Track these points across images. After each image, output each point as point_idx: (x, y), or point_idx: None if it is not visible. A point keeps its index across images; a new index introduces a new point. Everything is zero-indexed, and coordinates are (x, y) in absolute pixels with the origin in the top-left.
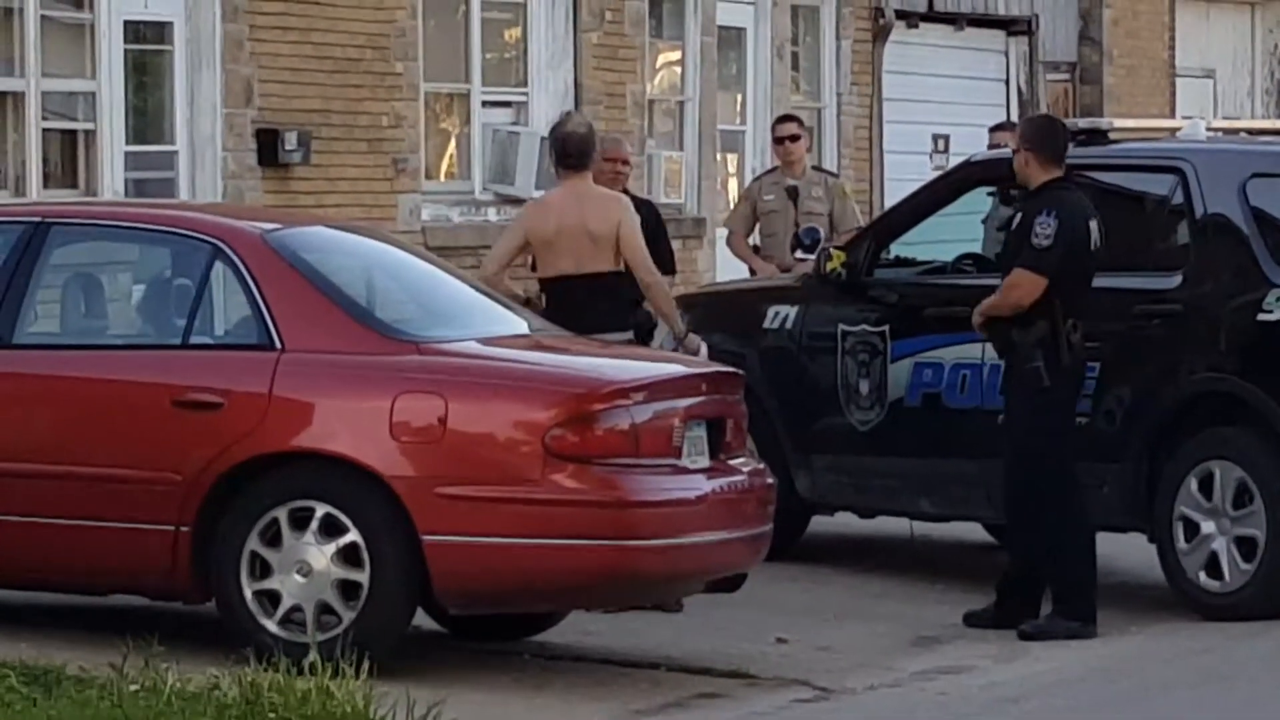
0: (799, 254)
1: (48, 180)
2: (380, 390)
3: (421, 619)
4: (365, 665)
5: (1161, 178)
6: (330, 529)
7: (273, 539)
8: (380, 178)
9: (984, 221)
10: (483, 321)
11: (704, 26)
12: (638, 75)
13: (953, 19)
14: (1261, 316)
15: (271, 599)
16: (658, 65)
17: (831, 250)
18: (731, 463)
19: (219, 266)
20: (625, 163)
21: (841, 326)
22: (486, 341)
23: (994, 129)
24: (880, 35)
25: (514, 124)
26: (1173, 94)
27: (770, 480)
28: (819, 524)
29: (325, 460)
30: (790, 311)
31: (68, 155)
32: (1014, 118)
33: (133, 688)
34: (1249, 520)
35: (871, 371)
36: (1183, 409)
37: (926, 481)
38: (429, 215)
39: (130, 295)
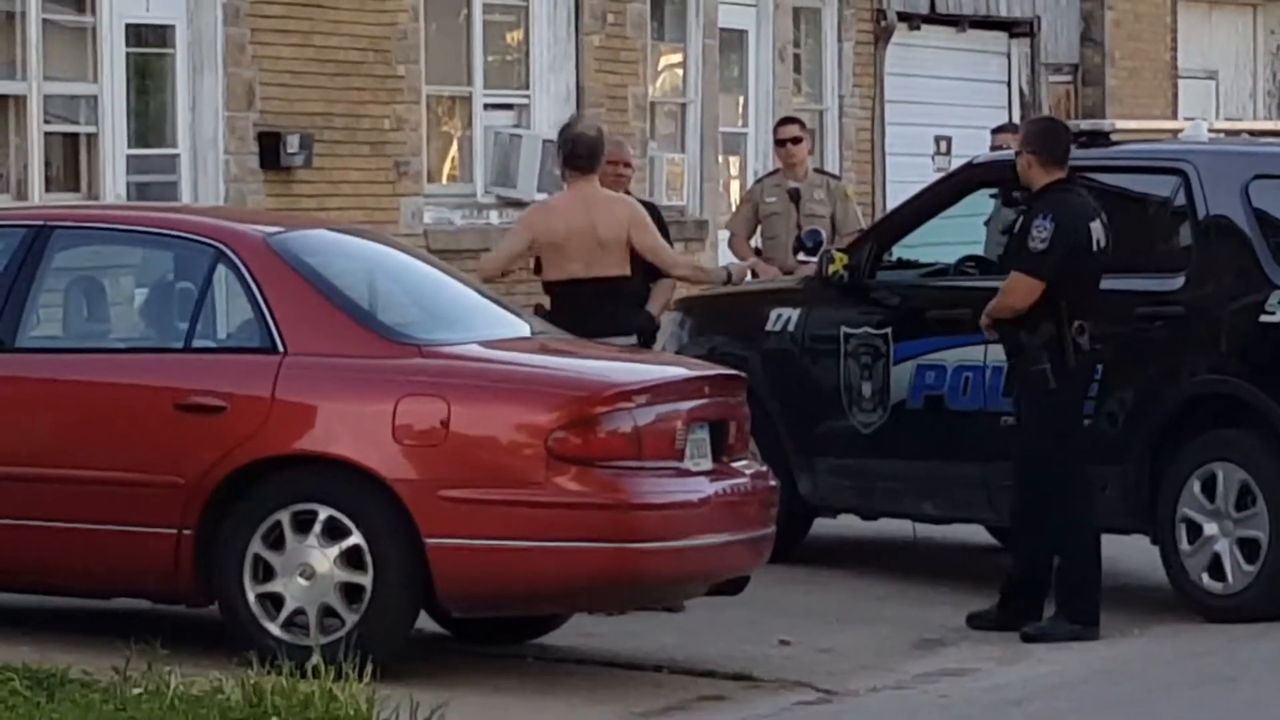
0: (801, 256)
1: (49, 184)
2: (383, 393)
3: (424, 622)
4: (368, 668)
5: (1164, 179)
6: (333, 532)
7: (275, 542)
8: (382, 180)
9: (986, 223)
10: (485, 324)
11: (705, 29)
12: (639, 78)
13: (954, 21)
14: (1264, 318)
15: (274, 602)
16: (659, 68)
17: (834, 252)
18: (734, 465)
19: (221, 270)
20: (627, 165)
21: (844, 329)
22: (489, 344)
23: (996, 131)
24: (882, 37)
25: (516, 127)
26: (1175, 95)
27: (773, 483)
28: (821, 526)
29: (328, 463)
30: (792, 314)
31: (69, 159)
32: (1016, 119)
33: (136, 691)
34: (1251, 522)
35: (874, 374)
36: (1185, 411)
37: (929, 484)
38: (431, 218)
39: (132, 299)
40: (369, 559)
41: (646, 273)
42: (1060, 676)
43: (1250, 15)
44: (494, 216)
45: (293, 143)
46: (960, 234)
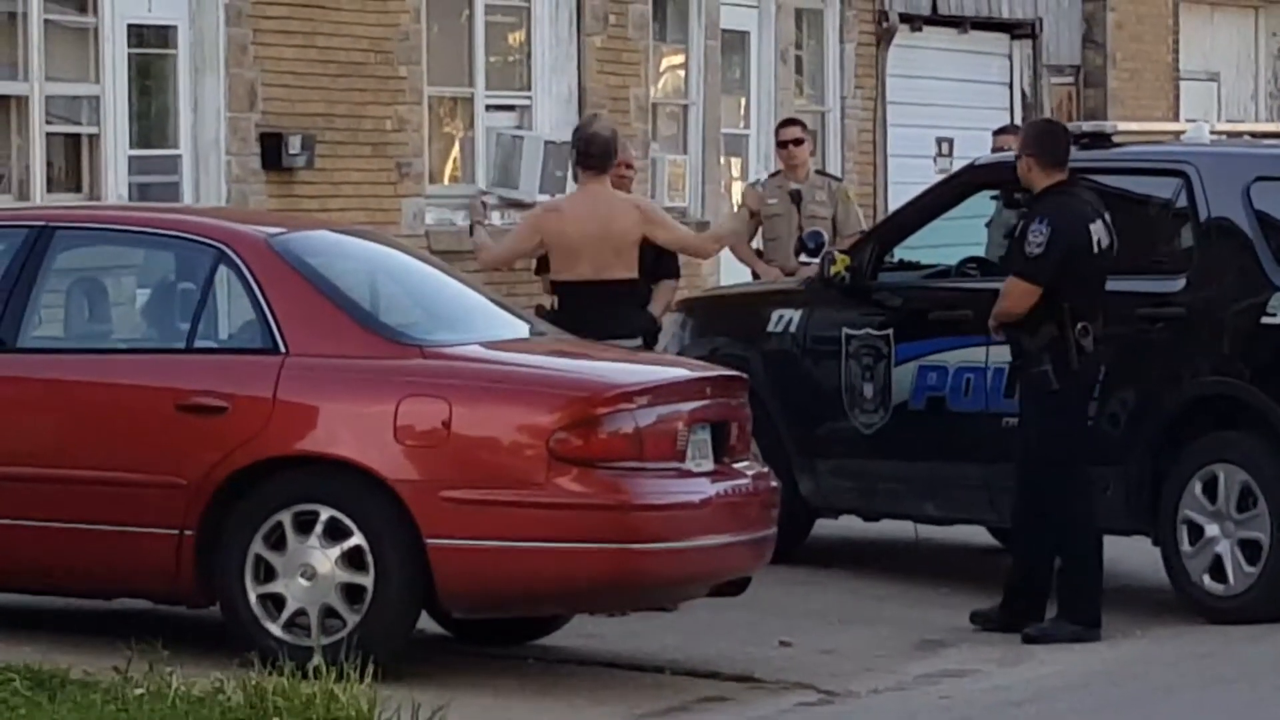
0: (803, 258)
1: (51, 184)
2: (384, 394)
3: (426, 623)
4: (370, 669)
5: (1165, 181)
6: (334, 533)
7: (277, 543)
8: (384, 181)
9: (988, 225)
10: (486, 325)
11: (707, 30)
12: (641, 79)
13: (956, 22)
14: (1265, 320)
15: (276, 603)
16: (661, 69)
17: (836, 254)
18: (736, 466)
19: (223, 270)
20: (629, 166)
21: (845, 330)
22: (490, 345)
23: (997, 132)
24: (884, 39)
25: (517, 128)
26: (1176, 97)
27: (774, 483)
28: (823, 527)
29: (329, 464)
30: (794, 315)
31: (71, 159)
32: (1018, 121)
33: (137, 691)
34: (1253, 523)
35: (875, 375)
36: (1186, 412)
37: (930, 485)
38: (432, 219)
39: (134, 299)
40: (370, 559)
41: (648, 274)
42: (1062, 678)
43: (1252, 17)
44: (496, 217)
45: (294, 143)
46: (962, 236)
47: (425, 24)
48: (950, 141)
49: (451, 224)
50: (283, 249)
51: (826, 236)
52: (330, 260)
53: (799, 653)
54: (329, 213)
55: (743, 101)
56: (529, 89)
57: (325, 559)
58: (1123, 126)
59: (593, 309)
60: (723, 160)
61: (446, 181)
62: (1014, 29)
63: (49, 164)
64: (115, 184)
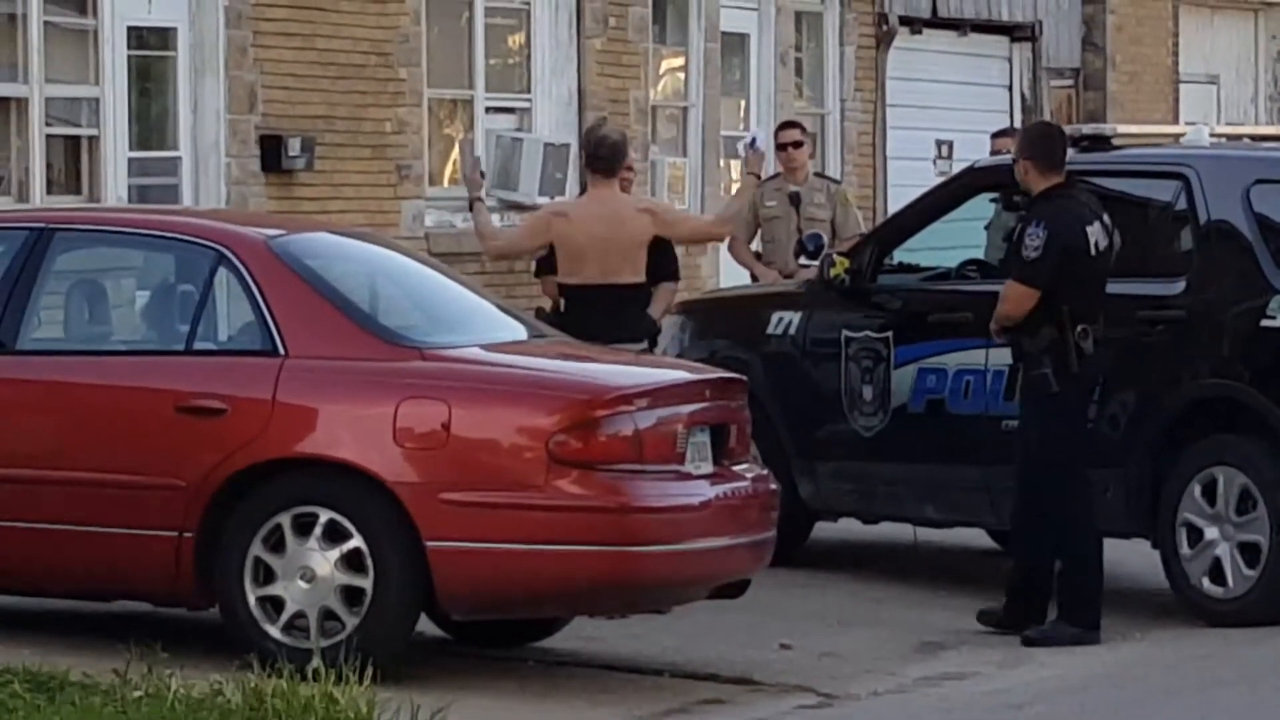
0: (803, 260)
1: (51, 186)
2: (384, 396)
3: (425, 625)
4: (369, 671)
5: (1165, 184)
6: (334, 535)
7: (276, 545)
8: (384, 184)
9: (987, 228)
10: (486, 327)
11: (707, 32)
12: (641, 81)
13: (956, 25)
14: (1265, 322)
15: (275, 605)
16: (661, 71)
17: (835, 256)
18: (735, 468)
19: (222, 272)
20: (629, 168)
21: (845, 332)
22: (490, 347)
23: (996, 135)
24: (884, 41)
25: (517, 130)
26: (1176, 100)
27: (774, 486)
28: (823, 530)
29: (329, 466)
30: (794, 317)
31: (71, 161)
32: (1017, 124)
33: (136, 694)
34: (1252, 526)
35: (875, 377)
36: (1186, 415)
37: (930, 487)
38: (432, 221)
39: (134, 301)
40: (370, 562)
41: (648, 276)
42: (1062, 680)
43: (1251, 20)
44: (495, 220)
45: (294, 146)
46: (961, 238)
47: (425, 26)
48: (950, 144)
49: (451, 226)
50: (282, 251)
51: (825, 239)
52: (330, 262)
53: (798, 655)
54: (328, 215)
55: (742, 104)
56: (529, 91)
57: (324, 561)
58: (1122, 129)
59: (599, 313)
60: (722, 163)
61: (446, 183)
62: (1014, 32)
63: (49, 166)
64: (115, 186)
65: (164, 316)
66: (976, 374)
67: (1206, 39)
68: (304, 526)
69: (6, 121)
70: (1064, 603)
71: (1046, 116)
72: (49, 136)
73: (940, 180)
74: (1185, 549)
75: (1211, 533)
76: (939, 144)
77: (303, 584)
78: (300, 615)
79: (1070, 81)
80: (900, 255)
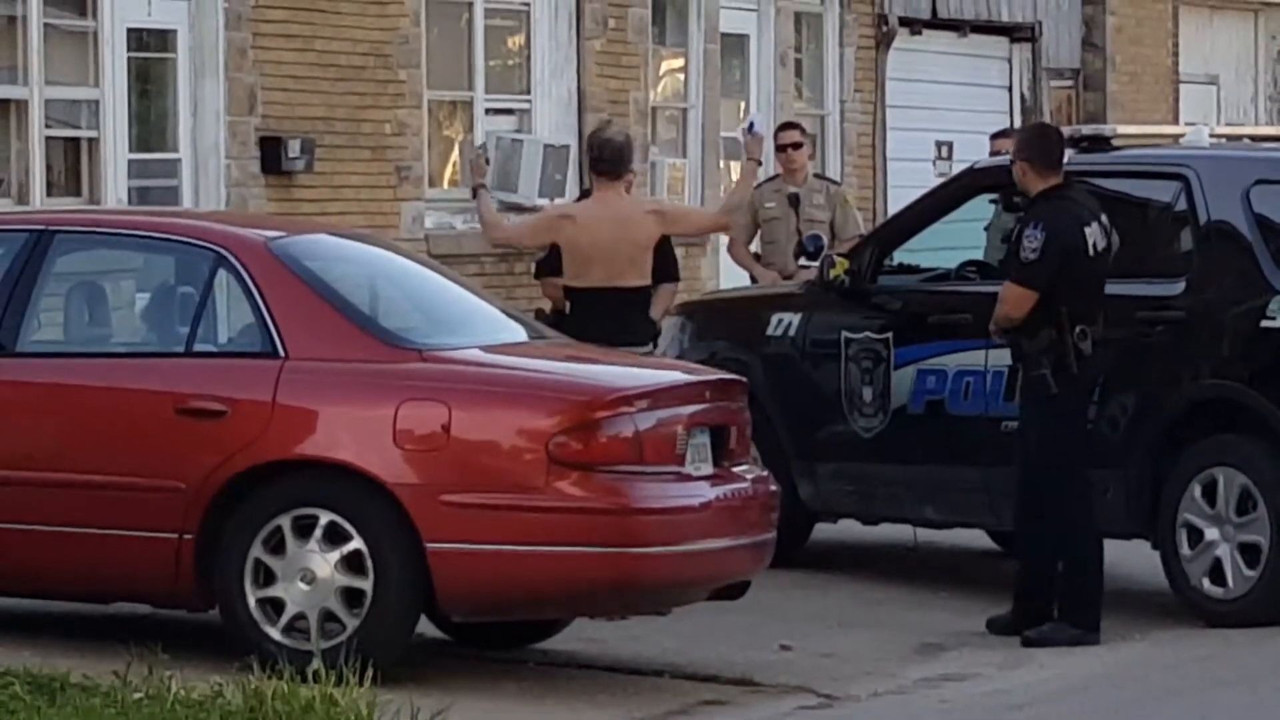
0: (802, 261)
1: (51, 188)
2: (384, 398)
3: (425, 626)
4: (369, 673)
5: (1165, 184)
6: (334, 537)
7: (276, 547)
8: (383, 185)
9: (987, 229)
10: (486, 329)
11: (707, 34)
12: (641, 82)
13: (956, 26)
14: (1265, 323)
15: (275, 607)
16: (661, 72)
17: (835, 257)
18: (735, 470)
19: (222, 274)
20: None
21: (845, 333)
22: (490, 349)
23: (995, 136)
24: (883, 42)
25: (517, 131)
26: (1176, 100)
27: (774, 487)
28: (822, 531)
29: (329, 468)
30: (793, 319)
31: (71, 163)
32: (1017, 125)
33: (136, 695)
34: (1252, 527)
35: (875, 378)
36: (1186, 415)
37: (930, 488)
38: (432, 223)
39: (134, 303)
40: (370, 564)
41: (650, 277)
42: (1062, 681)
43: (1251, 20)
44: None
45: (294, 147)
46: (961, 239)
47: (425, 28)
48: (950, 145)
49: (451, 228)
50: (282, 253)
51: (825, 240)
52: (329, 264)
53: (798, 656)
54: (328, 216)
55: (742, 105)
56: (528, 93)
57: (325, 563)
58: (1122, 130)
59: (604, 316)
60: (722, 164)
61: (446, 185)
62: (1013, 32)
63: (48, 168)
64: (115, 188)
65: (164, 318)
66: (976, 375)
67: (1206, 39)
68: (304, 528)
69: (6, 123)
70: (1064, 604)
71: (1046, 117)
72: (49, 138)
73: (940, 181)
74: (1185, 549)
75: (1212, 533)
76: (939, 145)
77: (303, 586)
78: (300, 617)
79: (1070, 82)
80: (900, 256)
